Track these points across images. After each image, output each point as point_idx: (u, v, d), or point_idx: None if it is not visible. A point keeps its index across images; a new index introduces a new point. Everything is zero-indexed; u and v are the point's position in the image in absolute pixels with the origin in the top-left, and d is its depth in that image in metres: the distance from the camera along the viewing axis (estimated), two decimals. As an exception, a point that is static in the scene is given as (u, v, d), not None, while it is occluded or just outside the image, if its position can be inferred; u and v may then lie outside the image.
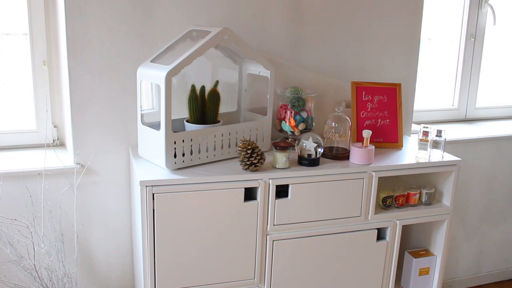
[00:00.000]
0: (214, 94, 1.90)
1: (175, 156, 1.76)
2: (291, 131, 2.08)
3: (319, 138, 1.93)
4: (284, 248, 1.90)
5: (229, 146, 1.91)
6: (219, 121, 1.93)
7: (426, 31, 2.68)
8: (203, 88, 1.91)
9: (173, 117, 1.75)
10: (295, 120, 2.06)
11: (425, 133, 2.07)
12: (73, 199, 2.01)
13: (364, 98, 2.20)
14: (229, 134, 1.90)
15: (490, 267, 3.08)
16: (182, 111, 1.94)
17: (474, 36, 2.84)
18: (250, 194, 1.82)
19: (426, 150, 2.08)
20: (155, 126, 1.77)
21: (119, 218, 2.15)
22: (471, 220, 2.90)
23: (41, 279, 1.94)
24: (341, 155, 2.00)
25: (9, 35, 2.12)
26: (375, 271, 2.08)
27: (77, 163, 2.02)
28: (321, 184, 1.88)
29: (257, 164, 1.80)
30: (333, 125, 2.01)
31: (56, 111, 2.19)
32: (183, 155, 1.78)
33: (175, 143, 1.74)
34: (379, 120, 2.21)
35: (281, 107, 2.11)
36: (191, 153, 1.81)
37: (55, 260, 1.99)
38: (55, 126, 2.20)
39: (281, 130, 2.12)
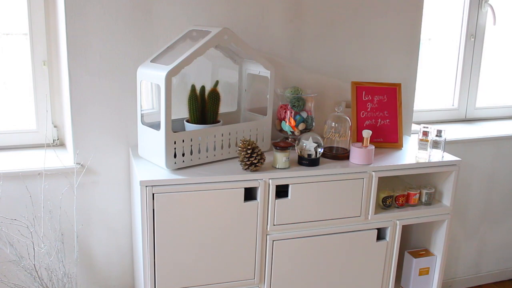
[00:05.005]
0: (214, 94, 1.90)
1: (175, 156, 1.76)
2: (291, 131, 2.08)
3: (319, 138, 1.93)
4: (284, 248, 1.90)
5: (229, 146, 1.91)
6: (219, 121, 1.93)
7: (426, 31, 2.67)
8: (203, 88, 1.91)
9: (173, 117, 1.75)
10: (295, 120, 2.06)
11: (425, 133, 2.07)
12: (73, 199, 2.01)
13: (364, 98, 2.20)
14: (229, 134, 1.90)
15: (490, 267, 3.08)
16: (182, 111, 1.94)
17: (474, 36, 2.84)
18: (250, 194, 1.82)
19: (426, 150, 2.08)
20: (155, 126, 1.77)
21: (119, 218, 2.15)
22: (471, 220, 2.90)
23: (41, 279, 1.94)
24: (341, 155, 2.00)
25: (9, 35, 2.12)
26: (375, 271, 2.08)
27: (77, 163, 2.02)
28: (321, 184, 1.88)
29: (257, 164, 1.80)
30: (333, 125, 2.01)
31: (56, 111, 2.19)
32: (183, 155, 1.78)
33: (175, 143, 1.74)
34: (379, 120, 2.21)
35: (281, 107, 2.11)
36: (191, 153, 1.81)
37: (55, 260, 1.99)
38: (55, 126, 2.20)
39: (281, 130, 2.11)
